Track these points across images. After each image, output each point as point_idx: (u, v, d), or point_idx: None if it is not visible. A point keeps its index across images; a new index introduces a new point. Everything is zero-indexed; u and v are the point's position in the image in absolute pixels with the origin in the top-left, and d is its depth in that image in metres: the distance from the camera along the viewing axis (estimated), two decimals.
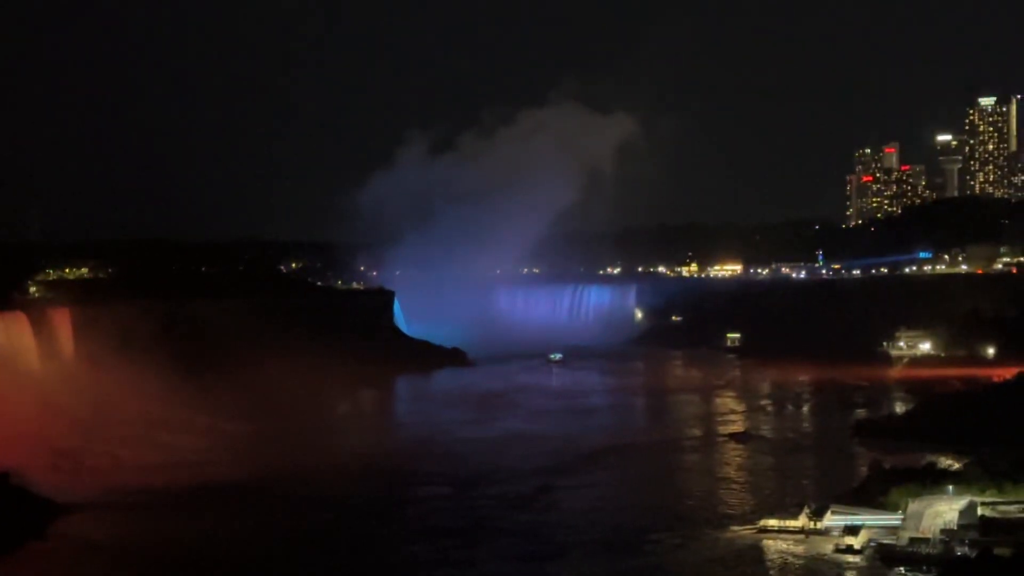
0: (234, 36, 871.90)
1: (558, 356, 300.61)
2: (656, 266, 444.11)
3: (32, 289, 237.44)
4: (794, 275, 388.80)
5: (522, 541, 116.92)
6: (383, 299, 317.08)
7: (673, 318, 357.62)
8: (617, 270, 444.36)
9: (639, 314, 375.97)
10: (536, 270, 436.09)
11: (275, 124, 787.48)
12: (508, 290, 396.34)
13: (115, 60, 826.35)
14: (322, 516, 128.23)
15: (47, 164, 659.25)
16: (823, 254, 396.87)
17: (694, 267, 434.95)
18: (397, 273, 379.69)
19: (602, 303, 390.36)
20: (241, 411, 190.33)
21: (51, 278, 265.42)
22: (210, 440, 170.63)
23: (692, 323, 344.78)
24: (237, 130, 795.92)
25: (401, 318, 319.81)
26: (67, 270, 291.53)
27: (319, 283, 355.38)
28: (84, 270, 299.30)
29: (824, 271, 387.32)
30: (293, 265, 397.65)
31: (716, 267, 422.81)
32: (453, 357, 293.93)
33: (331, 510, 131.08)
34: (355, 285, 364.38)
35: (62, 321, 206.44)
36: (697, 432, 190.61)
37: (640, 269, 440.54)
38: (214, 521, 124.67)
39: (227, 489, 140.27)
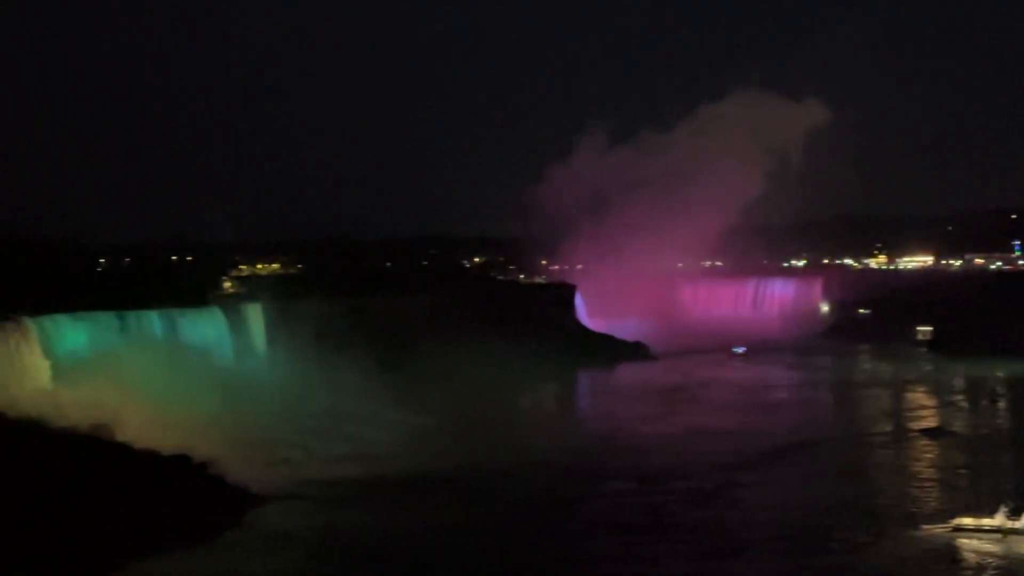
0: (414, 32, 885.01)
1: (741, 350, 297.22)
2: (842, 258, 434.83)
3: (227, 284, 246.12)
4: (990, 266, 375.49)
5: (705, 538, 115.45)
6: (565, 293, 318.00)
7: (860, 311, 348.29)
8: (802, 262, 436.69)
9: (825, 307, 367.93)
10: (719, 263, 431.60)
11: (452, 121, 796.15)
12: (690, 283, 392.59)
13: (303, 61, 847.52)
14: (504, 509, 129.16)
15: (236, 162, 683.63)
16: (1021, 244, 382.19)
17: (882, 259, 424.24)
18: (579, 267, 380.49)
19: (786, 296, 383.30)
20: (426, 405, 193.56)
21: (244, 274, 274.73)
22: (396, 433, 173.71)
23: (880, 316, 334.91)
24: (416, 128, 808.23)
25: (583, 311, 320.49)
26: (259, 266, 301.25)
27: (500, 277, 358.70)
28: (276, 265, 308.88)
29: (1022, 262, 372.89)
30: (475, 260, 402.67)
31: (905, 259, 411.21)
32: (635, 351, 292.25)
33: (514, 503, 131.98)
34: (537, 279, 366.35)
35: (255, 316, 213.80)
36: (886, 428, 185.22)
37: (826, 261, 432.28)
38: (401, 513, 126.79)
39: (413, 482, 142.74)
